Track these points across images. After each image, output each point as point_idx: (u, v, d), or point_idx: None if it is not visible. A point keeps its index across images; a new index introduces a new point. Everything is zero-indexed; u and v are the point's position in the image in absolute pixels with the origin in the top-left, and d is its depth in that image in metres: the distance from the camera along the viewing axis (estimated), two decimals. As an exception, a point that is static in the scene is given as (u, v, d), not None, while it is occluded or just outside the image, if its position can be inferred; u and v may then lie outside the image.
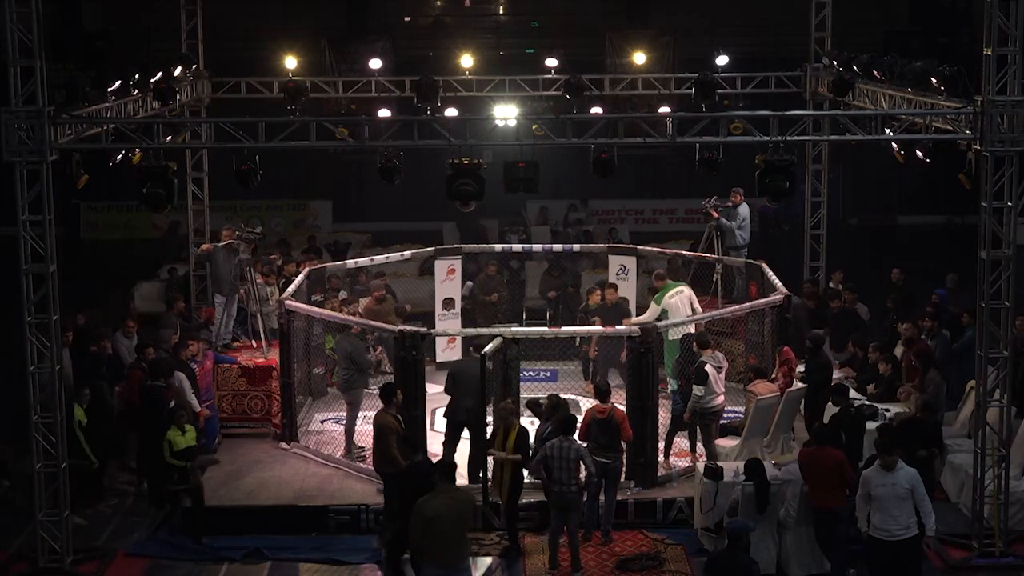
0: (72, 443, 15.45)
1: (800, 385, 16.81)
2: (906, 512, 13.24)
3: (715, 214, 21.03)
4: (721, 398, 16.53)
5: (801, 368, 17.48)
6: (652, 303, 19.26)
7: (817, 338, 17.39)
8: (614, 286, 19.94)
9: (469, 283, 21.65)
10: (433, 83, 20.13)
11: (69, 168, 15.27)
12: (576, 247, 22.90)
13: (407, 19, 34.12)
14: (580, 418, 15.42)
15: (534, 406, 15.85)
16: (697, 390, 16.29)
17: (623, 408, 15.81)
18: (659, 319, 18.63)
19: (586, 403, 17.73)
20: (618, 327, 18.64)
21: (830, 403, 16.35)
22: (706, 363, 16.34)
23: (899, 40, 29.53)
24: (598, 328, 18.70)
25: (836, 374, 18.21)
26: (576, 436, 14.84)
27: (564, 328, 18.87)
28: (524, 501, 15.52)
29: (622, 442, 15.38)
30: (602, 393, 15.51)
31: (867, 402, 17.13)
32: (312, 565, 14.93)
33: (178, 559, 15.25)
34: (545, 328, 19.64)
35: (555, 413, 15.13)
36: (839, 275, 21.12)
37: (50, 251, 14.50)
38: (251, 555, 15.17)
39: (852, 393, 17.07)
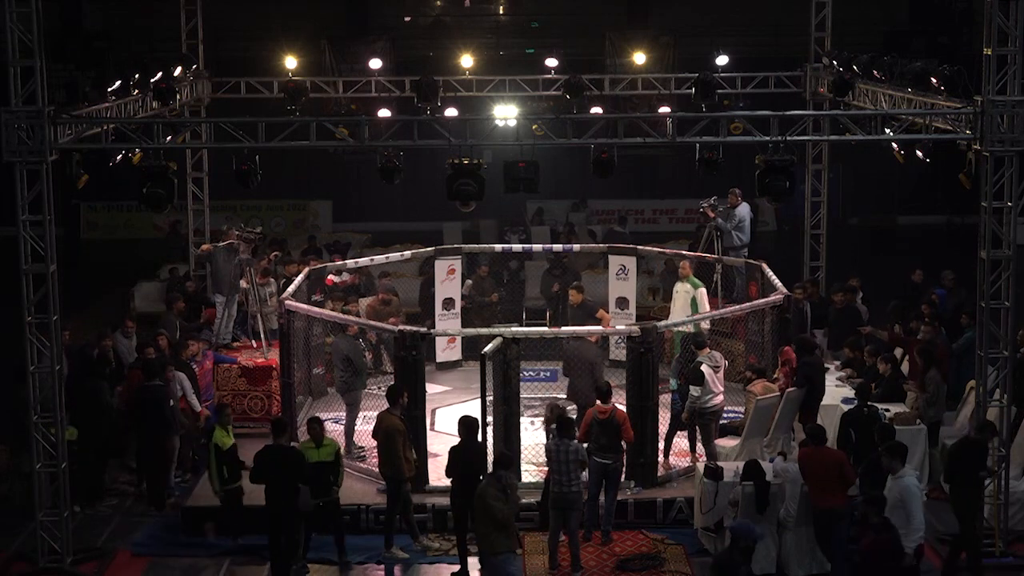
0: (213, 470, 15.18)
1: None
2: (899, 520, 13.13)
3: (711, 214, 21.04)
4: (720, 398, 16.54)
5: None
6: (688, 284, 19.51)
7: (803, 341, 17.36)
8: (577, 287, 19.89)
9: (469, 282, 21.67)
10: (433, 83, 20.15)
11: (69, 168, 15.27)
12: (576, 247, 22.92)
13: (407, 19, 34.11)
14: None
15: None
16: (694, 390, 16.30)
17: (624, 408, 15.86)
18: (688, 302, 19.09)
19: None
20: (618, 327, 18.68)
21: (840, 403, 16.38)
22: (702, 363, 16.36)
23: (899, 40, 29.51)
24: (598, 328, 18.70)
25: (839, 374, 18.24)
26: (577, 437, 14.90)
27: (564, 328, 18.87)
28: (524, 501, 15.52)
29: (623, 443, 15.39)
30: (603, 393, 15.48)
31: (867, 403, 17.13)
32: (312, 565, 14.92)
33: (178, 557, 15.28)
34: (545, 328, 19.65)
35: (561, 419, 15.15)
36: (856, 281, 21.03)
37: (50, 251, 14.49)
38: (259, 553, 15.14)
39: (849, 394, 17.10)
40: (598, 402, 15.46)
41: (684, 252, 22.22)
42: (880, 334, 19.20)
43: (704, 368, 16.29)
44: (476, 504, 13.35)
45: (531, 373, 19.26)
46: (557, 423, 14.81)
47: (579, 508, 14.71)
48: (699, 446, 16.73)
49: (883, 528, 12.63)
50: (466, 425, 14.70)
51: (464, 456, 14.52)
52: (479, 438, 14.89)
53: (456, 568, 14.76)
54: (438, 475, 16.32)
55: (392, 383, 15.92)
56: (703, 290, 19.59)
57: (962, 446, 14.60)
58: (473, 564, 14.62)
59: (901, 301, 20.50)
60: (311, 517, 14.75)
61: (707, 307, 19.45)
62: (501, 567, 13.26)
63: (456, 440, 14.80)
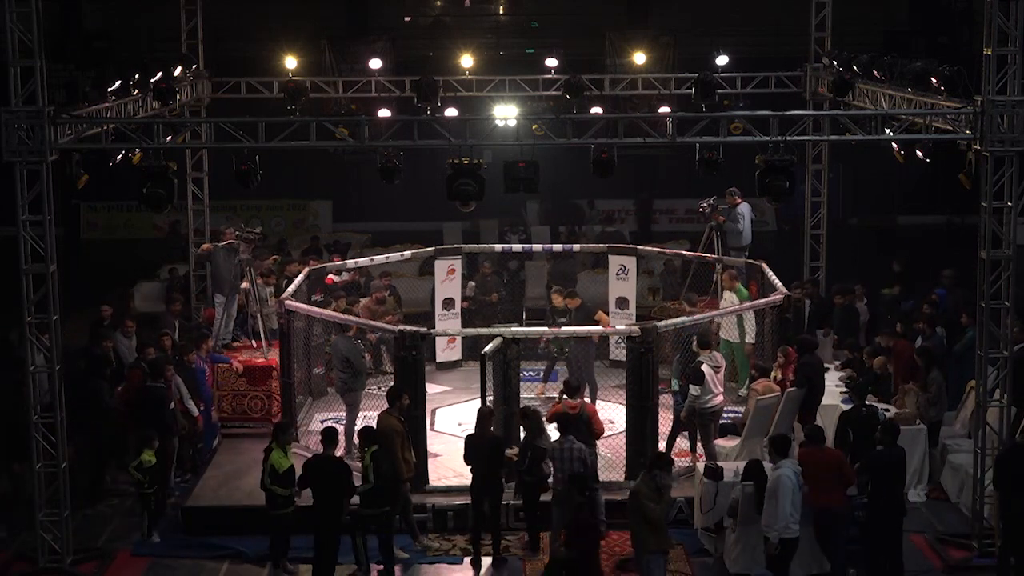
0: (268, 494, 14.61)
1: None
2: (771, 509, 13.70)
3: (720, 219, 21.07)
4: (720, 398, 16.55)
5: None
6: (734, 295, 19.35)
7: (803, 341, 17.38)
8: (572, 293, 19.80)
9: (471, 283, 21.65)
10: (433, 83, 20.15)
11: (69, 168, 15.27)
12: (576, 247, 22.91)
13: (407, 19, 34.08)
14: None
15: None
16: (693, 390, 16.31)
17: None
18: None
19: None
20: (618, 327, 18.68)
21: (840, 403, 16.37)
22: (703, 363, 16.37)
23: (899, 40, 29.50)
24: (598, 328, 18.71)
25: (841, 374, 18.23)
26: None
27: (564, 328, 18.88)
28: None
29: (595, 437, 15.47)
30: (572, 389, 15.66)
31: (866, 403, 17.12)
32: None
33: (178, 558, 15.28)
34: (545, 328, 19.66)
35: (528, 422, 15.11)
36: (861, 289, 21.03)
37: (50, 251, 14.50)
38: (264, 556, 15.06)
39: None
40: (566, 398, 15.53)
41: (684, 252, 22.27)
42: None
43: (705, 368, 16.30)
44: (629, 502, 13.50)
45: (531, 373, 19.28)
46: (558, 423, 14.84)
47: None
48: (699, 446, 16.74)
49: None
50: (480, 415, 14.97)
51: (477, 444, 14.74)
52: (491, 428, 15.02)
53: (458, 565, 14.86)
54: (438, 475, 16.35)
55: (392, 384, 15.92)
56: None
57: (1011, 452, 14.48)
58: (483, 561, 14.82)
59: (893, 295, 20.55)
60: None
61: (751, 317, 19.13)
62: (646, 567, 13.41)
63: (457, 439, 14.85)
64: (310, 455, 16.90)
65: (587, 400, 15.81)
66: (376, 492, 14.34)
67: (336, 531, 14.28)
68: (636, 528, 13.47)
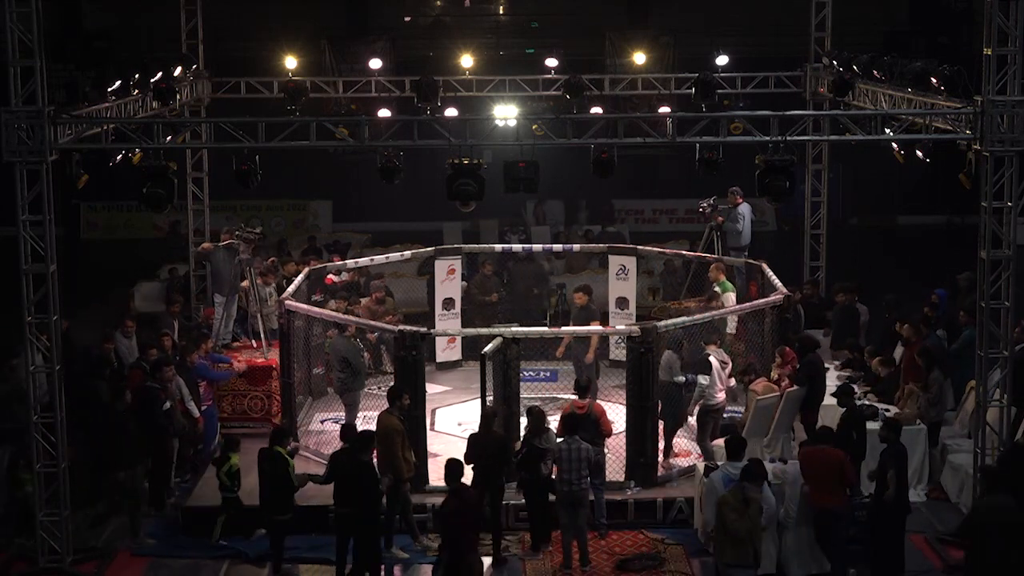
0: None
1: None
2: None
3: (720, 219, 21.04)
4: (722, 394, 16.57)
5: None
6: (718, 288, 19.39)
7: (805, 340, 17.39)
8: (581, 290, 19.89)
9: (463, 283, 21.64)
10: (433, 83, 20.16)
11: (69, 168, 15.28)
12: (576, 247, 22.91)
13: (407, 19, 34.11)
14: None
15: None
16: (702, 379, 16.35)
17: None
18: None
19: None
20: (618, 327, 18.68)
21: (837, 403, 16.41)
22: (710, 355, 16.41)
23: (899, 40, 29.54)
24: (598, 328, 18.70)
25: (841, 374, 18.23)
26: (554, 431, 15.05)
27: (564, 328, 18.87)
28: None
29: (603, 437, 15.47)
30: (581, 389, 15.71)
31: (866, 402, 17.13)
32: (312, 565, 14.93)
33: (178, 558, 15.28)
34: (545, 328, 19.65)
35: (529, 419, 15.12)
36: (854, 284, 21.08)
37: (50, 251, 14.51)
38: (264, 556, 15.10)
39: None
40: (575, 397, 15.53)
41: (684, 252, 22.26)
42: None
43: (712, 359, 16.35)
44: (716, 512, 13.35)
45: (531, 373, 19.26)
46: (563, 423, 14.85)
47: (587, 505, 14.78)
48: (693, 445, 16.75)
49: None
50: (484, 415, 15.04)
51: (482, 443, 14.76)
52: (495, 428, 15.04)
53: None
54: (438, 475, 16.31)
55: (392, 383, 15.93)
56: (731, 295, 19.44)
57: (1012, 452, 14.49)
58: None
59: (896, 295, 20.53)
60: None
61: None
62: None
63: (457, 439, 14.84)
64: (311, 456, 17.00)
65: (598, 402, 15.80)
66: (344, 491, 14.35)
67: (358, 533, 14.26)
68: (718, 537, 13.34)
